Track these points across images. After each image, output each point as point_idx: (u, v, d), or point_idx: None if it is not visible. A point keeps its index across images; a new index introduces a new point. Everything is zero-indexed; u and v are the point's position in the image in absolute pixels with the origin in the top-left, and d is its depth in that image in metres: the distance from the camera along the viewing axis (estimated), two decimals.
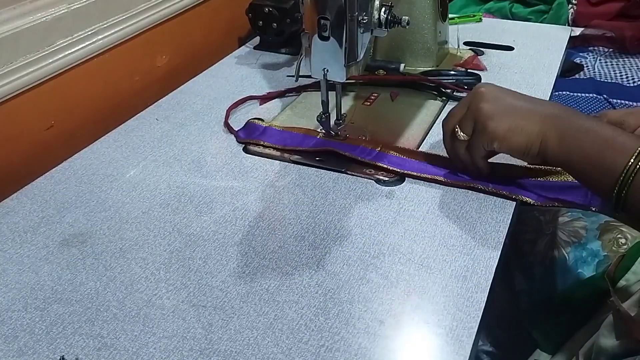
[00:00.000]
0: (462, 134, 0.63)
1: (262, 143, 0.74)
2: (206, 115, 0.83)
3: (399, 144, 0.74)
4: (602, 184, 0.55)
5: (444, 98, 0.84)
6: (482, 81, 0.86)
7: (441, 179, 0.66)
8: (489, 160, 0.64)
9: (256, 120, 0.78)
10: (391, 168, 0.68)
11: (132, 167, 0.71)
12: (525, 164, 0.66)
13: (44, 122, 0.77)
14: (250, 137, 0.76)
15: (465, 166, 0.65)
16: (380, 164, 0.68)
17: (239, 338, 0.48)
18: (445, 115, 0.67)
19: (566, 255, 0.81)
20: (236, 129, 0.78)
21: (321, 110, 0.71)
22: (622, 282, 0.70)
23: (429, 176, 0.67)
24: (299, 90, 0.87)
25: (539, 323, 0.81)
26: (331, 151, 0.71)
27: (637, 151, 0.52)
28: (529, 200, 0.63)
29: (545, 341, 0.79)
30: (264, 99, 0.86)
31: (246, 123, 0.78)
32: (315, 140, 0.74)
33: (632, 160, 0.52)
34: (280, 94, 0.87)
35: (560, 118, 0.58)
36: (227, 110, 0.82)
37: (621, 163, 0.53)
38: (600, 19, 1.55)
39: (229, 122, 0.79)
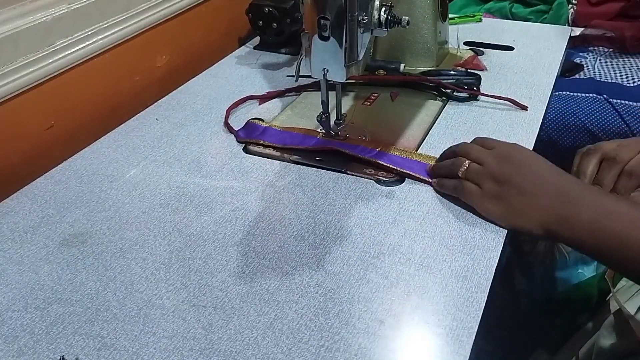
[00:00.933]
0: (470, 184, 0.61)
1: (262, 142, 0.74)
2: (206, 115, 0.83)
3: (399, 144, 0.74)
4: (631, 268, 0.52)
5: (444, 98, 0.84)
6: (482, 81, 0.86)
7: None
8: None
9: (256, 120, 0.78)
10: (391, 166, 0.68)
11: (132, 167, 0.71)
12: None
13: (44, 122, 0.77)
14: (250, 137, 0.76)
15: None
16: (380, 162, 0.68)
17: (239, 338, 0.48)
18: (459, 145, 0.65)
19: (566, 255, 0.81)
20: (236, 129, 0.78)
21: (321, 110, 0.71)
22: (622, 282, 0.70)
23: (426, 178, 0.67)
24: (298, 90, 0.87)
25: (539, 323, 0.81)
26: (332, 150, 0.71)
27: None
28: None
29: (546, 341, 0.79)
30: (263, 98, 0.86)
31: (246, 123, 0.78)
32: (315, 139, 0.74)
33: None
34: (280, 94, 0.87)
35: (562, 207, 0.55)
36: (227, 110, 0.82)
37: None
38: (600, 19, 1.55)
39: (229, 122, 0.79)
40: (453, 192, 0.62)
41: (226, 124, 0.79)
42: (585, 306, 0.78)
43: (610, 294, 0.70)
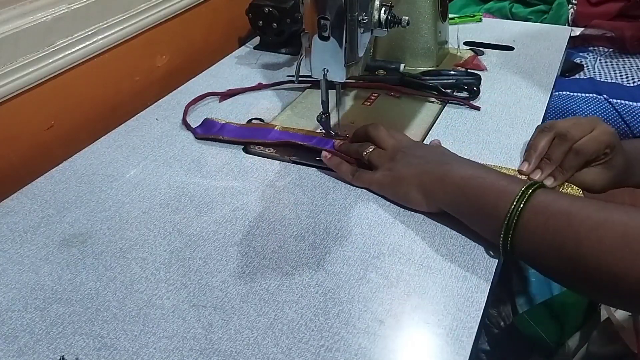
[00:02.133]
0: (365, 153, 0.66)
1: (221, 137, 0.76)
2: (206, 115, 0.83)
3: None
4: (490, 230, 0.55)
5: (444, 98, 0.84)
6: (482, 81, 0.86)
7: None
8: None
9: (215, 118, 0.80)
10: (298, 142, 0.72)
11: (132, 167, 0.71)
12: None
13: (44, 122, 0.77)
14: (208, 133, 0.77)
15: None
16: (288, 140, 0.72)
17: (239, 338, 0.48)
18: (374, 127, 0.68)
19: None
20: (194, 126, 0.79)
21: (321, 110, 0.71)
22: None
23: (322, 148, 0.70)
24: (260, 87, 0.89)
25: (534, 327, 0.81)
26: (288, 143, 0.73)
27: (519, 194, 0.52)
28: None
29: (540, 345, 0.79)
30: (225, 95, 0.88)
31: (203, 120, 0.79)
32: (272, 132, 0.75)
33: (514, 204, 0.52)
34: (241, 91, 0.89)
35: (438, 168, 0.59)
36: (185, 107, 0.83)
37: (503, 208, 0.52)
38: (600, 19, 1.55)
39: (220, 118, 0.79)
40: (347, 178, 0.66)
41: (184, 122, 0.80)
42: (578, 312, 0.78)
43: (601, 303, 0.70)
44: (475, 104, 0.82)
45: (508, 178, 0.56)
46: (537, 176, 0.66)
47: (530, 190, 0.52)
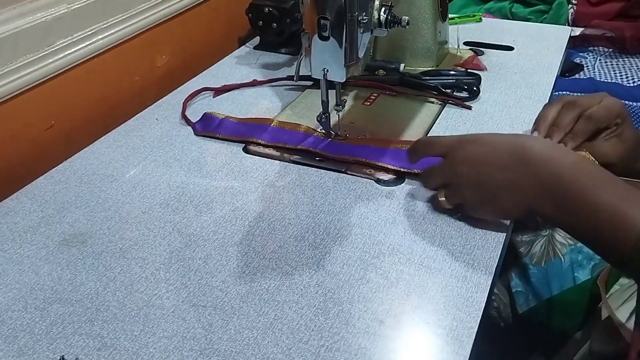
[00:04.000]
0: (443, 200, 0.60)
1: (218, 135, 0.76)
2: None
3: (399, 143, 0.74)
4: (613, 255, 0.51)
5: (444, 98, 0.84)
6: (482, 81, 0.86)
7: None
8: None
9: (214, 112, 0.80)
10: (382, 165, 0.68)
11: (132, 167, 0.71)
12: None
13: (44, 122, 0.77)
14: (207, 130, 0.77)
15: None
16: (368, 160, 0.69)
17: (239, 338, 0.48)
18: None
19: (562, 257, 0.81)
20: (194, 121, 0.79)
21: (321, 110, 0.71)
22: (615, 287, 0.70)
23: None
24: (254, 84, 0.90)
25: (534, 326, 0.81)
26: (284, 147, 0.73)
27: None
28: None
29: (541, 345, 0.79)
30: (219, 91, 0.88)
31: (203, 115, 0.80)
32: (268, 129, 0.75)
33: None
34: (235, 87, 0.90)
35: (555, 187, 0.52)
36: (183, 103, 0.84)
37: (624, 238, 0.48)
38: (600, 19, 1.55)
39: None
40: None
41: (183, 116, 0.81)
42: (579, 310, 0.77)
43: (602, 302, 0.70)
44: (475, 104, 0.82)
45: (633, 207, 0.49)
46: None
47: None
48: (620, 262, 0.50)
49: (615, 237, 0.49)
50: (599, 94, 0.67)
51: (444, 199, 0.60)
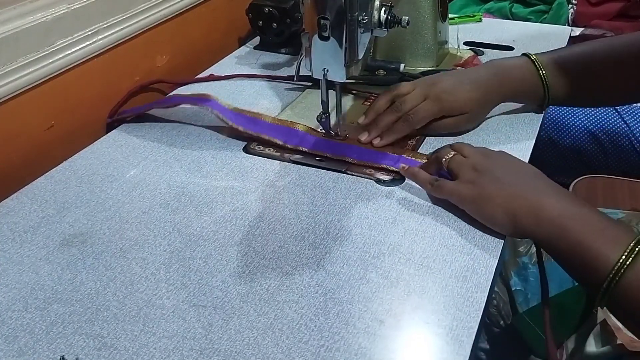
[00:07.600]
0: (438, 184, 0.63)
1: (216, 113, 0.75)
2: (206, 115, 0.82)
3: (399, 143, 0.74)
4: (585, 279, 0.53)
5: None
6: None
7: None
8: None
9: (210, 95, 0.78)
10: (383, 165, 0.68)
11: (132, 167, 0.71)
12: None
13: (44, 122, 0.77)
14: (200, 102, 0.76)
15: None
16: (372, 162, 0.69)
17: (239, 338, 0.48)
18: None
19: None
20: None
21: (321, 110, 0.71)
22: None
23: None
24: (243, 77, 0.91)
25: (532, 327, 0.81)
26: (270, 142, 0.73)
27: (630, 246, 0.50)
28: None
29: (538, 346, 0.79)
30: (207, 81, 0.90)
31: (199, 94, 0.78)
32: (264, 123, 0.75)
33: (623, 257, 0.49)
34: (225, 78, 0.91)
35: (532, 196, 0.56)
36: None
37: (605, 262, 0.50)
38: (600, 19, 1.55)
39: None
40: (426, 187, 0.64)
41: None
42: (574, 313, 0.77)
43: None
44: None
45: (612, 224, 0.53)
46: (363, 138, 0.72)
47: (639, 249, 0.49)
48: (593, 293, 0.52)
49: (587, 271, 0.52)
50: (427, 85, 0.73)
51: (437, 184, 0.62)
